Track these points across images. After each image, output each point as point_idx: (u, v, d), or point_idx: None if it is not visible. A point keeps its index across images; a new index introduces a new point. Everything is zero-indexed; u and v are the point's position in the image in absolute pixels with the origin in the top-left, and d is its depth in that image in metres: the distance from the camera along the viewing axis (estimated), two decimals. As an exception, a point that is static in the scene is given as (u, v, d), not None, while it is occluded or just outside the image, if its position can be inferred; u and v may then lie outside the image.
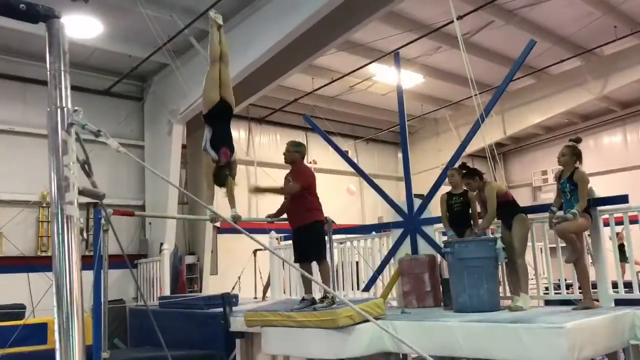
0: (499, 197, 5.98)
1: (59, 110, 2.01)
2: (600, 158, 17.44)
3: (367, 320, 5.08)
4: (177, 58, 10.76)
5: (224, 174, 5.69)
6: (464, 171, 6.38)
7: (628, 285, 5.83)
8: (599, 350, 4.84)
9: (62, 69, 2.03)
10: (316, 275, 6.33)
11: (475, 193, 6.32)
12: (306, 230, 5.83)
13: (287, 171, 6.25)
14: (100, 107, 12.09)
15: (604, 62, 14.44)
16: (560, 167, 5.82)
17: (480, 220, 6.43)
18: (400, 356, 6.12)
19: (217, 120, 5.73)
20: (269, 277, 9.98)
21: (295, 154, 6.14)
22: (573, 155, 5.66)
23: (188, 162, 13.28)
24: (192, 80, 10.89)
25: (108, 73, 12.19)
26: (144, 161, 12.39)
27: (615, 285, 5.75)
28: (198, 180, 12.88)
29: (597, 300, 5.58)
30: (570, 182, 5.52)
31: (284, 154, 6.22)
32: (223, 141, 5.66)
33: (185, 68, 11.00)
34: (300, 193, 5.87)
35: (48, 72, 2.04)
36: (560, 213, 5.57)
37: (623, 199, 5.68)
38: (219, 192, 5.94)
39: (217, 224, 12.55)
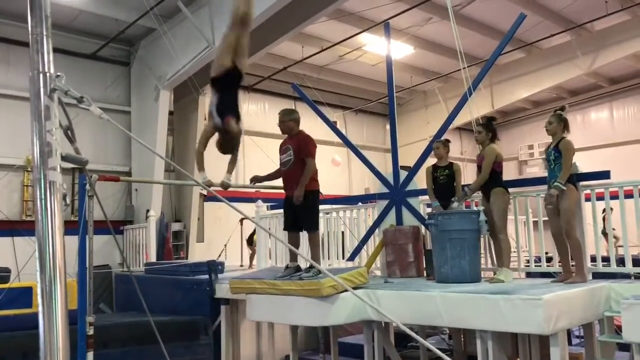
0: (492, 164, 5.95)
1: (41, 75, 1.99)
2: (587, 133, 17.56)
3: (350, 289, 5.15)
4: (165, 23, 10.58)
5: (230, 146, 5.47)
6: (487, 120, 6.30)
7: (606, 260, 5.94)
8: (575, 322, 4.96)
9: (44, 33, 2.00)
10: (305, 244, 6.36)
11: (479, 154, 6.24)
12: (302, 199, 5.73)
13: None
14: (87, 71, 11.92)
15: (594, 38, 14.42)
16: (548, 142, 5.80)
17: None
18: (383, 324, 6.25)
19: (225, 87, 5.41)
20: (253, 240, 10.15)
21: (290, 123, 6.00)
22: (560, 122, 5.60)
23: (175, 129, 13.18)
24: (180, 46, 10.74)
25: (94, 36, 11.97)
26: (130, 127, 12.28)
27: (594, 259, 5.86)
28: (185, 147, 12.83)
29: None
30: (556, 150, 5.49)
31: (279, 125, 6.08)
32: (229, 109, 5.35)
33: (173, 33, 10.82)
34: (301, 161, 5.78)
35: (30, 36, 2.01)
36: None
37: (605, 174, 5.74)
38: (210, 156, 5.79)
39: (204, 192, 12.55)
